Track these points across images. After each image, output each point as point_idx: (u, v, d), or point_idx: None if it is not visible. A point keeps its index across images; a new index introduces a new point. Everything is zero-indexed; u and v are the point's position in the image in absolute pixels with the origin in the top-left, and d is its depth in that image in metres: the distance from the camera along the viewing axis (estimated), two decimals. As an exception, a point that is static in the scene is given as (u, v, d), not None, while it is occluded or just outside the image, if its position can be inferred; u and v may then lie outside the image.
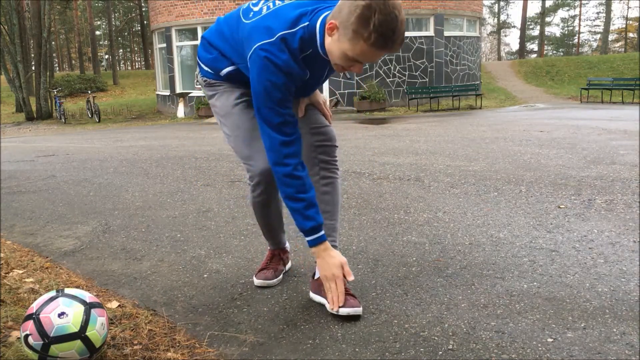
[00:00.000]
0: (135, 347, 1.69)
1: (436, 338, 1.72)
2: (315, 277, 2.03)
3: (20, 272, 2.40)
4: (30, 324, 1.51)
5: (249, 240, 2.83)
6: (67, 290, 1.62)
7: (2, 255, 2.63)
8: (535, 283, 2.13)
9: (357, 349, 1.67)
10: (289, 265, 2.37)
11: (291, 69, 1.72)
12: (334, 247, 2.05)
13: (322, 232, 1.85)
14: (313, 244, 1.85)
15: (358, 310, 1.87)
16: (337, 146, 2.10)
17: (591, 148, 5.81)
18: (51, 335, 1.49)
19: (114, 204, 3.82)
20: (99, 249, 2.80)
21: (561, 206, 3.34)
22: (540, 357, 1.59)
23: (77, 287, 2.20)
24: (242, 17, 1.84)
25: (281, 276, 2.26)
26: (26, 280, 2.29)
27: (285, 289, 2.16)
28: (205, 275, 2.35)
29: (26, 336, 1.51)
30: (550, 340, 1.68)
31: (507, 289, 2.08)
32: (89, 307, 1.57)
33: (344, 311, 1.86)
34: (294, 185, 1.80)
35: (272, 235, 2.26)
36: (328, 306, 1.91)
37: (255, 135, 1.95)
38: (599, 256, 2.42)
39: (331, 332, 1.79)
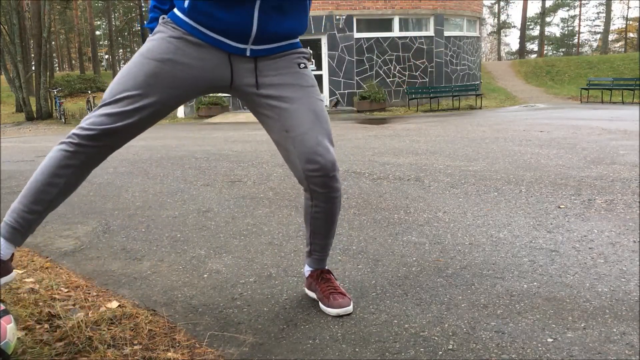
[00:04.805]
0: (135, 347, 1.69)
1: (436, 338, 1.72)
2: (306, 275, 2.06)
3: (20, 272, 2.39)
4: None
5: (249, 240, 2.83)
6: None
7: (2, 255, 2.63)
8: (535, 283, 2.13)
9: (357, 349, 1.67)
10: (8, 278, 1.65)
11: None
12: (321, 260, 2.00)
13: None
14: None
15: (348, 309, 1.89)
16: (332, 175, 1.76)
17: (591, 148, 5.81)
18: None
19: (114, 204, 3.82)
20: (99, 249, 2.80)
21: (561, 206, 3.34)
22: (540, 357, 1.59)
23: (77, 287, 2.21)
24: None
25: None
26: (26, 280, 2.29)
27: (285, 289, 2.16)
28: (205, 275, 2.35)
29: None
30: (550, 340, 1.68)
31: (507, 289, 2.08)
32: None
33: (332, 312, 1.89)
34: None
35: (33, 217, 1.66)
36: (322, 306, 1.94)
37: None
38: (599, 256, 2.42)
39: (331, 332, 1.79)
